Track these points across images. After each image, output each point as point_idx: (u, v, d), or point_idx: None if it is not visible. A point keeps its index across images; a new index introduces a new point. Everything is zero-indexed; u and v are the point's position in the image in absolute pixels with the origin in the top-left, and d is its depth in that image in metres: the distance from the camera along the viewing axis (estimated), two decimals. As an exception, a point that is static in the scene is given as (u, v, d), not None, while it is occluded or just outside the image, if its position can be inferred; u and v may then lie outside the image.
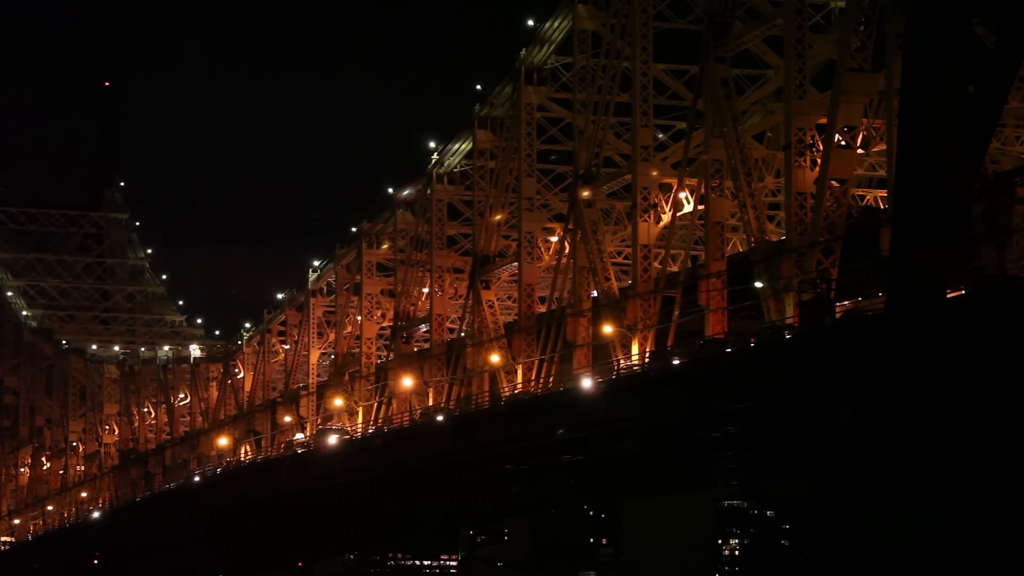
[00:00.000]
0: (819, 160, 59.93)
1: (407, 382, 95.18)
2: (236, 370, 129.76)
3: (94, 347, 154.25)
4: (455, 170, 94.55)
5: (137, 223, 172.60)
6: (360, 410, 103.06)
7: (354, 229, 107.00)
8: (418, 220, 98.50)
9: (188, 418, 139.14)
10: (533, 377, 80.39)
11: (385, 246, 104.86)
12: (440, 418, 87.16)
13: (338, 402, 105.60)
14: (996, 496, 48.85)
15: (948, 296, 50.93)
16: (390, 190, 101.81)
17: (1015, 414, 48.34)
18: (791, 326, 59.09)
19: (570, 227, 78.90)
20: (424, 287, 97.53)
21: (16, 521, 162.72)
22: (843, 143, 58.84)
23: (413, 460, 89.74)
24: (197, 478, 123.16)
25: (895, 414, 49.10)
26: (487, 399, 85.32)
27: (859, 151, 59.82)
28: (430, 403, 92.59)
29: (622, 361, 71.54)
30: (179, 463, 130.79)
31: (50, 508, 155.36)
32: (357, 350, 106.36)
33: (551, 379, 78.82)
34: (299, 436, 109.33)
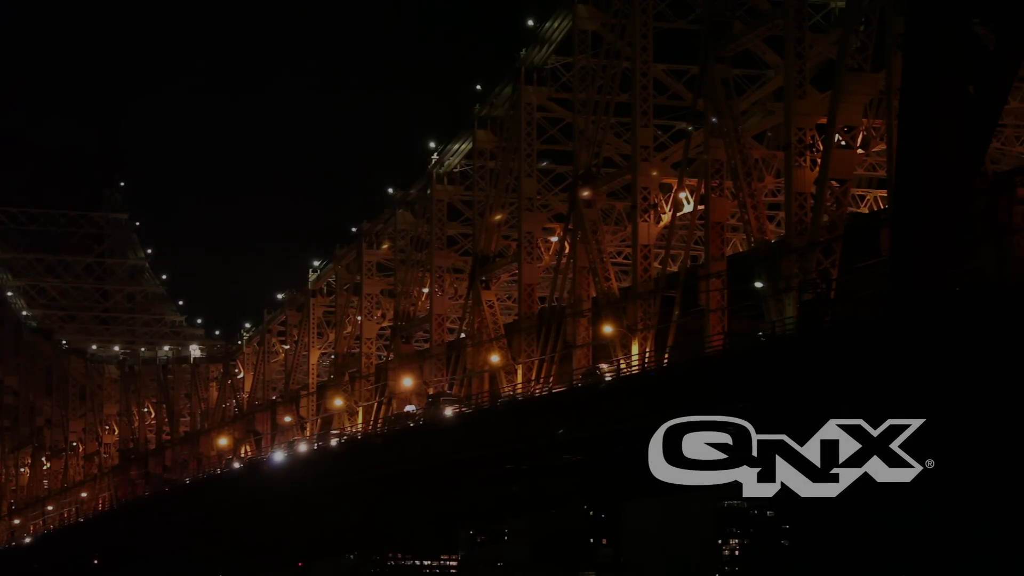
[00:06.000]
0: (819, 160, 59.91)
1: (407, 382, 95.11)
2: (236, 370, 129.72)
3: (94, 347, 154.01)
4: (455, 170, 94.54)
5: (137, 223, 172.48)
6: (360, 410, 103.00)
7: (354, 229, 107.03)
8: (418, 220, 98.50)
9: (188, 418, 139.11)
10: (533, 377, 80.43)
11: (385, 246, 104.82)
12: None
13: (338, 402, 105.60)
14: (997, 497, 48.83)
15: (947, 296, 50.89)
16: (390, 190, 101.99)
17: (1016, 414, 48.30)
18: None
19: (570, 227, 78.86)
20: (424, 287, 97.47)
21: (16, 521, 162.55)
22: (843, 143, 58.82)
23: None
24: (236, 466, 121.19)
25: (894, 414, 49.01)
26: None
27: (859, 151, 59.80)
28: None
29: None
30: (180, 462, 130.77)
31: (50, 508, 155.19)
32: (357, 350, 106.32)
33: (551, 379, 78.79)
34: (409, 408, 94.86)
